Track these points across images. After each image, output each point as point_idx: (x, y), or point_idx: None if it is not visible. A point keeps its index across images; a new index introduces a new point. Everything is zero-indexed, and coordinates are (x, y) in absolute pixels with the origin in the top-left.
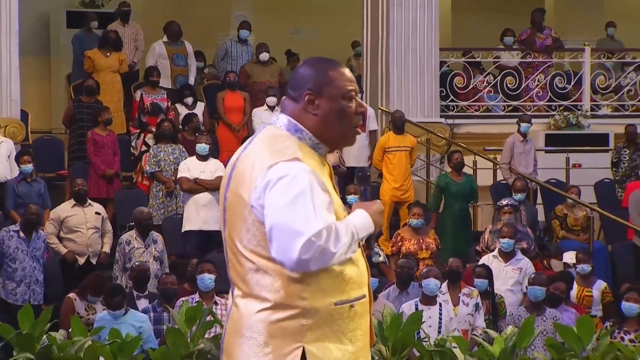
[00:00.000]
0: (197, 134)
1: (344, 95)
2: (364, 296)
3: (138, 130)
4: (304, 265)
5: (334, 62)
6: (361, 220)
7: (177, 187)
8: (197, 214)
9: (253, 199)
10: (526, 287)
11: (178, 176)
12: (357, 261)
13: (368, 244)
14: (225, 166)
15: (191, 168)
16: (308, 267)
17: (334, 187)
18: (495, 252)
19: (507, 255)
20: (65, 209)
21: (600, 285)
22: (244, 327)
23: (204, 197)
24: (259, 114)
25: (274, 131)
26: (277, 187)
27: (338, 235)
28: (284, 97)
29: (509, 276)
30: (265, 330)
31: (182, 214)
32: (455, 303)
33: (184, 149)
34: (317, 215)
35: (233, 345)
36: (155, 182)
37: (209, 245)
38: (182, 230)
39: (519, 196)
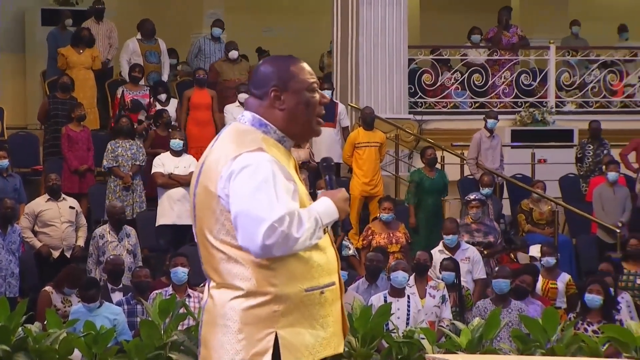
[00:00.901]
0: (169, 130)
1: (307, 88)
2: (333, 283)
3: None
4: (268, 251)
5: (293, 58)
6: (325, 207)
7: (134, 183)
8: (171, 209)
9: (219, 189)
10: (483, 276)
11: (152, 171)
12: (325, 249)
13: (334, 231)
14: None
15: (165, 163)
16: (272, 252)
17: (301, 180)
18: (441, 247)
19: (452, 250)
20: (40, 203)
21: (564, 277)
22: (218, 315)
23: (178, 191)
24: (231, 110)
25: (239, 127)
26: (240, 176)
27: (301, 221)
28: (247, 96)
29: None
30: (239, 317)
31: (140, 210)
32: (422, 295)
33: (141, 145)
34: (279, 202)
35: (209, 335)
36: (112, 177)
37: (182, 239)
38: (156, 225)
39: (486, 190)
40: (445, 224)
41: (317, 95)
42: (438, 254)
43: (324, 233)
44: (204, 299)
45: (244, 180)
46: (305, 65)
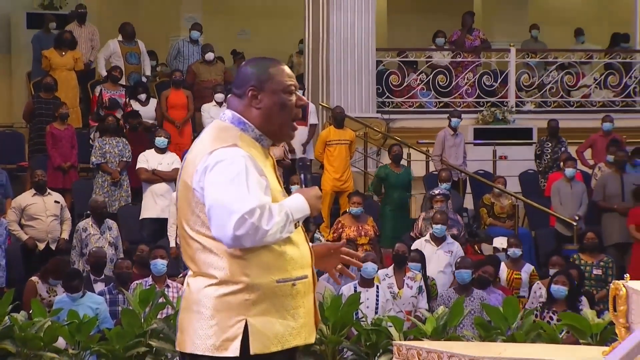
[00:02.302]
0: (146, 132)
1: (284, 90)
2: (306, 276)
3: (97, 124)
4: (238, 241)
5: (274, 60)
6: (296, 203)
7: (121, 178)
8: (155, 203)
9: (194, 182)
10: (454, 270)
11: (137, 167)
12: (299, 244)
13: (306, 227)
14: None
15: (149, 160)
16: (242, 243)
17: (278, 178)
18: (427, 237)
19: (438, 240)
20: (26, 198)
21: (528, 268)
22: (193, 302)
23: (161, 187)
24: (208, 109)
25: (219, 124)
26: (215, 170)
27: (271, 214)
28: (229, 95)
29: (441, 259)
30: (212, 304)
31: (127, 204)
32: (400, 286)
33: (127, 142)
34: (250, 195)
35: (185, 321)
36: (100, 172)
37: (163, 232)
38: (140, 218)
39: (444, 185)
40: (435, 214)
41: (293, 98)
42: (424, 243)
43: (295, 228)
44: (183, 287)
45: (217, 174)
46: (285, 68)
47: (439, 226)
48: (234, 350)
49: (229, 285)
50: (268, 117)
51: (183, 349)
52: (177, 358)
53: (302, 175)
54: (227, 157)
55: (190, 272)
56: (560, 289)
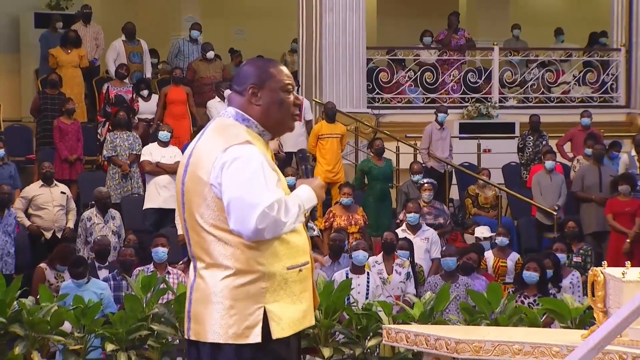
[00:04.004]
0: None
1: (282, 88)
2: (307, 262)
3: (104, 119)
4: (260, 234)
5: (274, 61)
6: (306, 194)
7: (132, 170)
8: (158, 194)
9: (212, 177)
10: (439, 256)
11: (141, 159)
12: (300, 232)
13: (312, 215)
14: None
15: (153, 152)
16: (263, 235)
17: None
18: (404, 227)
19: (414, 228)
20: (34, 188)
21: (514, 257)
22: (211, 294)
23: (164, 178)
24: (214, 105)
25: (223, 121)
26: (233, 166)
27: (287, 207)
28: (230, 92)
29: (418, 246)
30: (230, 294)
31: (137, 194)
32: (390, 272)
33: (137, 136)
34: (269, 190)
35: (202, 312)
36: (112, 165)
37: (165, 221)
38: (143, 208)
39: (417, 177)
40: (407, 204)
41: (291, 97)
42: (401, 233)
43: (304, 217)
44: (190, 279)
45: (236, 170)
46: (284, 69)
47: (412, 214)
48: (256, 336)
49: (246, 275)
50: (267, 113)
51: (202, 339)
52: (178, 341)
53: (303, 167)
54: (244, 154)
55: (200, 264)
56: (532, 275)
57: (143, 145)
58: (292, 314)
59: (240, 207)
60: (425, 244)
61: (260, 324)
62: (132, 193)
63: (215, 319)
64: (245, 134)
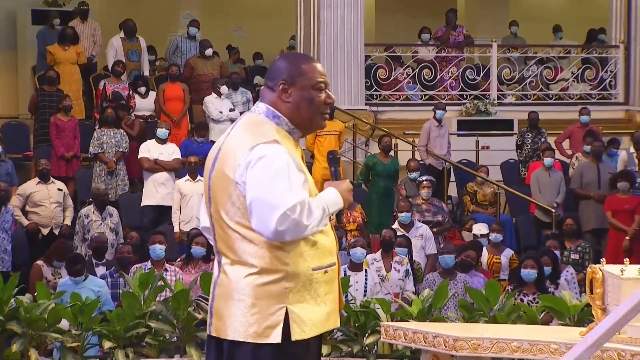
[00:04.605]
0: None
1: (313, 86)
2: (334, 263)
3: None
4: (280, 236)
5: (308, 57)
6: (332, 196)
7: (117, 167)
8: (156, 191)
9: (237, 175)
10: (434, 252)
11: (139, 156)
12: (328, 232)
13: (338, 218)
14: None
15: (151, 149)
16: (284, 237)
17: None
18: (396, 225)
19: (407, 227)
20: (31, 185)
21: (508, 253)
22: (233, 290)
23: (162, 176)
24: (211, 101)
25: (253, 117)
26: (257, 166)
27: (310, 210)
28: (262, 87)
29: (413, 244)
30: (253, 292)
31: (122, 192)
32: (388, 269)
33: (124, 134)
34: (292, 191)
35: (223, 308)
36: (98, 162)
37: (163, 218)
38: (141, 205)
39: (414, 175)
40: (399, 203)
41: (322, 95)
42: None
43: (329, 220)
44: (214, 274)
45: (260, 170)
46: (318, 66)
47: (403, 214)
48: (276, 337)
49: (270, 274)
50: (297, 110)
51: (222, 335)
52: (176, 338)
53: (332, 168)
54: (270, 154)
55: (225, 260)
56: (530, 273)
57: (140, 143)
58: (314, 316)
59: (261, 208)
60: (420, 241)
61: (281, 325)
62: (117, 191)
63: (237, 316)
64: (274, 132)
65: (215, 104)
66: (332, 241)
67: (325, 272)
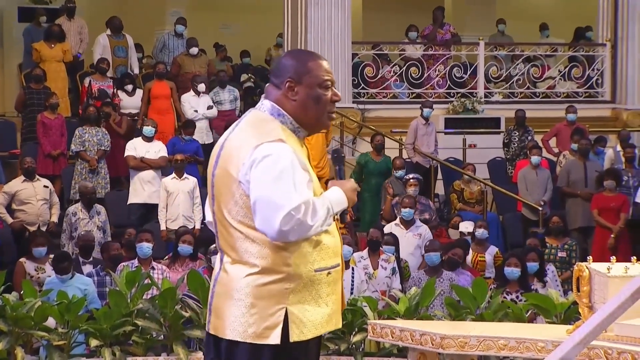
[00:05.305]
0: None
1: (320, 84)
2: (338, 265)
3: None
4: (284, 236)
5: (314, 55)
6: (336, 196)
7: (99, 166)
8: (142, 189)
9: (241, 174)
10: (424, 253)
11: (125, 154)
12: (333, 233)
13: (342, 218)
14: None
15: (137, 147)
16: (288, 237)
17: (313, 167)
18: (397, 221)
19: (407, 223)
20: (17, 184)
21: (492, 250)
22: (233, 289)
23: (149, 174)
24: (188, 99)
25: (258, 115)
26: (262, 165)
27: (315, 210)
28: (267, 84)
29: (410, 242)
30: (252, 292)
31: (104, 191)
32: (375, 267)
33: (106, 132)
34: (297, 191)
35: (223, 307)
36: (79, 160)
37: (150, 216)
38: (128, 203)
39: (399, 173)
40: (403, 199)
41: (329, 93)
42: (394, 227)
43: (333, 220)
44: (215, 271)
45: (265, 169)
46: (324, 63)
47: (407, 210)
48: (275, 338)
49: (271, 274)
50: (303, 109)
51: (221, 334)
52: (162, 336)
53: (337, 167)
54: (274, 153)
55: (226, 258)
56: (513, 271)
57: (127, 141)
58: (314, 317)
59: (265, 207)
60: (418, 240)
61: (281, 326)
62: (99, 190)
63: (236, 316)
64: (279, 130)
65: (191, 103)
66: (336, 241)
67: (329, 273)
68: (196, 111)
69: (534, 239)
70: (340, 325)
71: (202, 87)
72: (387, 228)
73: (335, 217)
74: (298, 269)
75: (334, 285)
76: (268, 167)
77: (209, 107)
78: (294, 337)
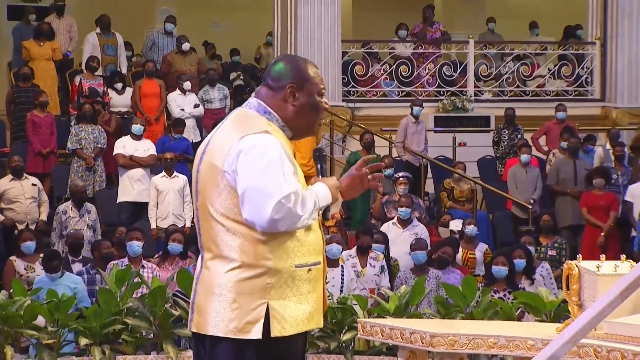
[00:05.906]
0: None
1: (318, 92)
2: (319, 262)
3: (77, 112)
4: (274, 225)
5: (310, 62)
6: (322, 191)
7: (95, 164)
8: (132, 187)
9: (226, 164)
10: (410, 251)
11: (114, 153)
12: (315, 230)
13: (324, 215)
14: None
15: (126, 146)
16: (277, 227)
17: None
18: (395, 220)
19: (404, 222)
20: (5, 182)
21: (482, 247)
22: (215, 285)
23: (138, 172)
24: (174, 98)
25: (244, 112)
26: (250, 155)
27: (304, 200)
28: (260, 85)
29: (407, 241)
30: (234, 288)
31: (100, 188)
32: (364, 265)
33: (102, 130)
34: (286, 181)
35: (205, 304)
36: (76, 158)
37: (139, 215)
38: (117, 201)
39: (388, 171)
40: (400, 198)
41: (323, 101)
42: (391, 225)
43: (317, 215)
44: (197, 269)
45: (253, 159)
46: (318, 71)
47: (403, 209)
48: (256, 332)
49: (252, 269)
50: (300, 115)
51: (202, 331)
52: (152, 335)
53: (318, 165)
54: (261, 143)
55: (207, 255)
56: (501, 269)
57: (117, 139)
58: (296, 314)
59: (255, 197)
60: (414, 239)
61: (262, 320)
62: (95, 187)
63: (217, 311)
64: (265, 124)
65: (177, 101)
66: (318, 239)
67: (309, 270)
68: (183, 110)
69: (528, 237)
70: (321, 325)
71: (187, 85)
72: (384, 227)
73: (319, 212)
74: (278, 263)
75: (314, 283)
76: (256, 158)
77: (196, 106)
78: (275, 332)
